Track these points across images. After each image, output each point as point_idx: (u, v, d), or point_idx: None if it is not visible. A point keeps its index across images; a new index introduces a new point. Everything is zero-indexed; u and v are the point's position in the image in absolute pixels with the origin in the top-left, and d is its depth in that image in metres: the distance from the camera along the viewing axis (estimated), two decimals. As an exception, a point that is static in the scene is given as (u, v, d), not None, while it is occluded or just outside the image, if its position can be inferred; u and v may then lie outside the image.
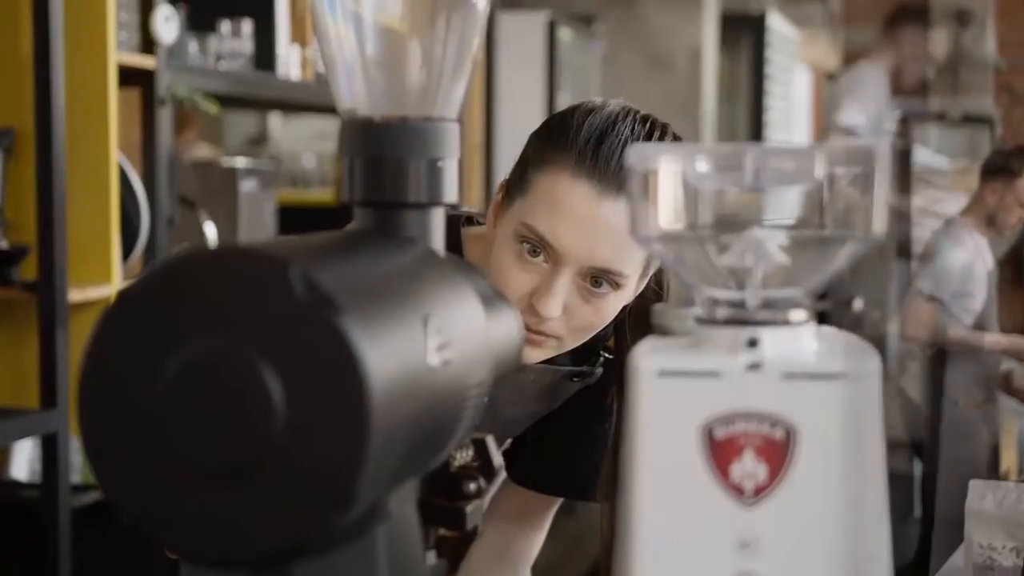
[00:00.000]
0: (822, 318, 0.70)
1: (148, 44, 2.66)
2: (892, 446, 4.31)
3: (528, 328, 1.25)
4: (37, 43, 2.36)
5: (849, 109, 4.25)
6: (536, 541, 1.54)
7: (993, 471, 4.17)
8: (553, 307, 1.23)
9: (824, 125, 4.37)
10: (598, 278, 1.24)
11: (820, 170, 0.66)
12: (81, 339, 2.47)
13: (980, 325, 4.19)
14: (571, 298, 1.24)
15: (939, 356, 4.24)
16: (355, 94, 0.78)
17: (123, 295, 0.61)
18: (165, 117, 2.65)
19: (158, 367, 0.60)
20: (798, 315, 0.68)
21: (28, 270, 2.41)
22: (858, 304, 4.21)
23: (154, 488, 0.60)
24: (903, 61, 4.39)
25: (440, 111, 0.79)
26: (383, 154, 0.77)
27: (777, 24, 7.50)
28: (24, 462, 2.72)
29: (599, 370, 1.41)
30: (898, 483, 4.14)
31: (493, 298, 0.83)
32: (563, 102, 6.78)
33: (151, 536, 0.61)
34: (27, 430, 2.39)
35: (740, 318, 0.67)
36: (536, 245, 1.23)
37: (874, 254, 4.13)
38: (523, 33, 5.33)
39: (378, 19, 0.78)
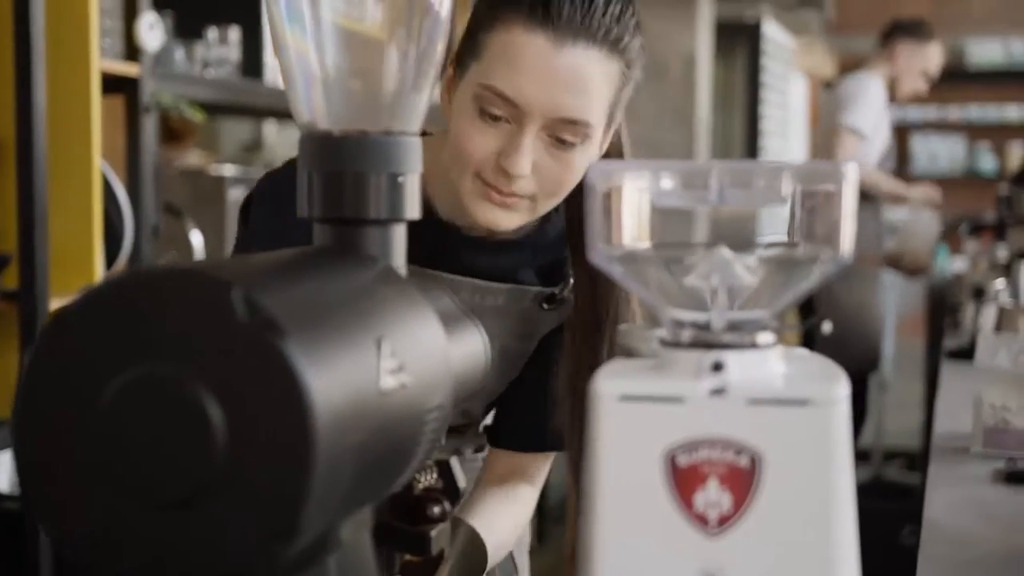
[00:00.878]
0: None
1: (133, 51, 2.63)
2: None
3: (499, 191, 1.24)
4: (18, 49, 2.34)
5: (855, 112, 4.30)
6: (533, 497, 1.48)
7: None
8: (523, 164, 1.22)
9: (826, 127, 4.41)
10: (562, 135, 1.22)
11: (787, 188, 0.64)
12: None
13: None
14: (539, 155, 1.23)
15: None
16: (314, 107, 0.76)
17: (61, 314, 0.59)
18: (149, 125, 2.63)
19: (96, 390, 0.58)
20: (765, 338, 0.65)
21: (9, 279, 2.38)
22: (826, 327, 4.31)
23: (90, 514, 0.58)
24: (898, 75, 4.44)
25: (401, 124, 0.77)
26: (343, 169, 0.75)
27: (772, 32, 7.49)
28: (5, 473, 2.69)
29: (569, 296, 1.38)
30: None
31: (456, 316, 0.81)
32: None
33: (85, 562, 0.58)
34: (8, 441, 2.36)
35: (705, 341, 0.65)
36: (497, 106, 1.21)
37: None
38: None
39: (337, 30, 0.76)
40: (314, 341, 0.58)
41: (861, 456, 5.48)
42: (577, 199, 1.29)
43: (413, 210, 0.76)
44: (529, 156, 1.22)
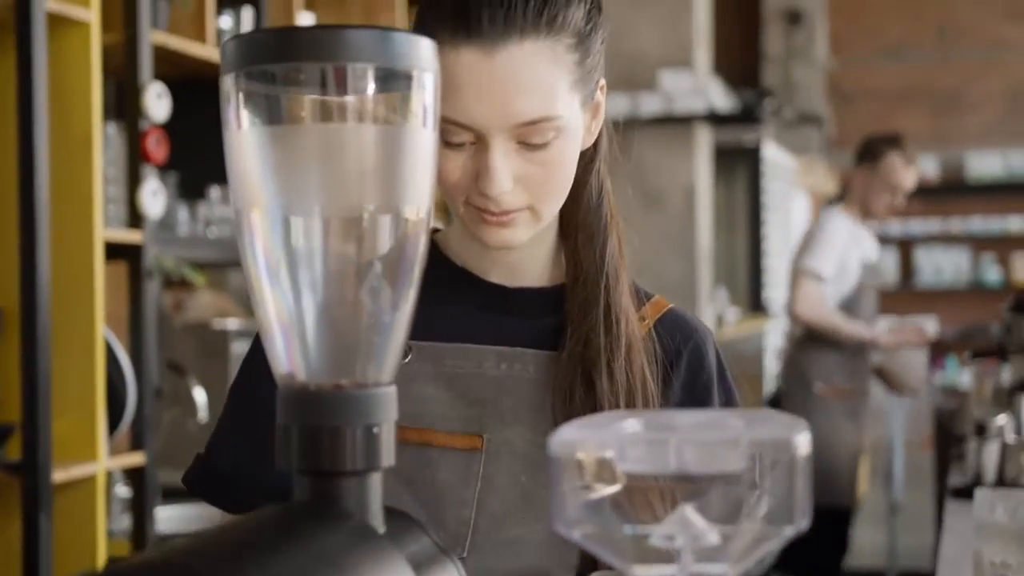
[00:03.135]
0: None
1: (136, 218, 2.68)
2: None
3: (491, 213, 1.17)
4: (23, 219, 2.39)
5: (815, 253, 4.30)
6: None
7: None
8: (498, 183, 1.14)
9: (793, 268, 4.40)
10: (530, 140, 1.14)
11: (740, 461, 0.66)
12: (65, 520, 2.46)
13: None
14: (517, 165, 1.15)
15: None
16: (292, 360, 0.79)
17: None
18: (152, 290, 2.67)
19: None
20: (729, 597, 0.67)
21: (12, 450, 2.40)
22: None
23: None
24: (864, 198, 4.42)
25: (375, 376, 0.79)
26: (319, 423, 0.77)
27: (772, 153, 7.58)
28: None
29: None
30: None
31: (434, 558, 0.82)
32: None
33: None
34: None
35: (670, 602, 0.67)
36: (454, 133, 1.14)
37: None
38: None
39: (313, 289, 0.78)
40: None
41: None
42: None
43: (389, 457, 0.78)
44: (503, 172, 1.14)
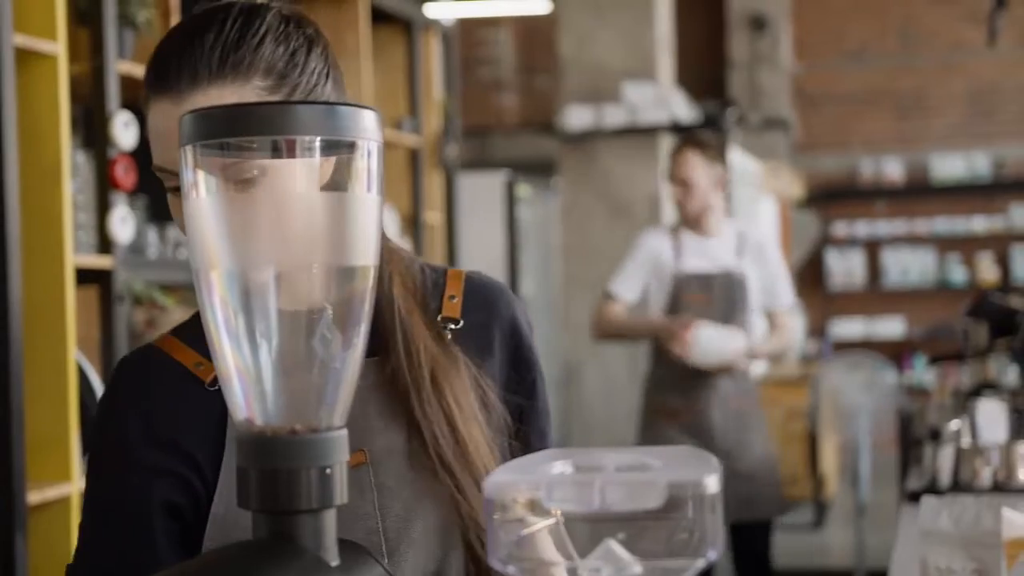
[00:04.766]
0: None
1: (105, 243, 2.74)
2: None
3: None
4: (-5, 248, 2.44)
5: (618, 276, 4.15)
6: None
7: None
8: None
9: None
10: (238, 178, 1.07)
11: (658, 499, 0.73)
12: (40, 540, 2.51)
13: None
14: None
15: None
16: (249, 407, 0.85)
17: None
18: (123, 314, 2.72)
19: None
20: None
21: (-13, 473, 2.45)
22: None
23: None
24: (679, 196, 4.16)
25: (327, 421, 0.85)
26: (276, 466, 0.83)
27: (738, 160, 7.66)
28: None
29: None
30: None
31: (387, 587, 0.89)
32: (524, 253, 6.93)
33: None
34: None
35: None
36: (169, 179, 1.19)
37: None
38: (483, 191, 5.47)
39: (268, 347, 0.85)
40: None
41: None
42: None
43: (342, 495, 0.85)
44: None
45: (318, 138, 0.83)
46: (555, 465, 0.78)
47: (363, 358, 0.88)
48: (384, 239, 1.35)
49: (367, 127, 0.85)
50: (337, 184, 0.85)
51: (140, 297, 2.78)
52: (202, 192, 0.84)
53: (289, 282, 0.85)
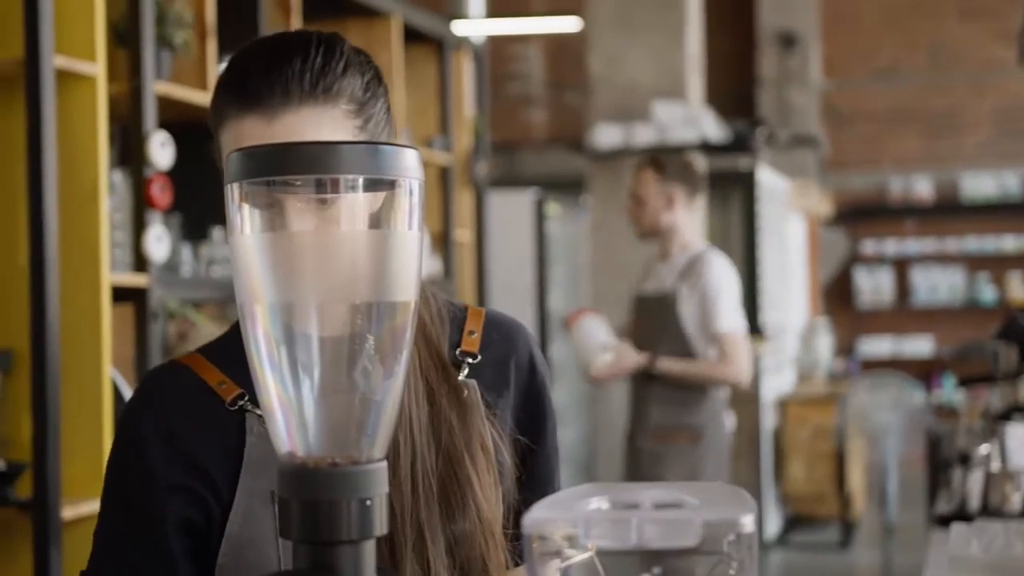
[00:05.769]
0: None
1: (141, 262, 2.77)
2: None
3: None
4: (33, 266, 2.47)
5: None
6: None
7: None
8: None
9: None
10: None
11: (695, 537, 0.74)
12: (75, 555, 2.53)
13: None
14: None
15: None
16: (292, 440, 0.87)
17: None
18: (157, 331, 2.75)
19: None
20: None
21: (23, 487, 2.48)
22: None
23: None
24: (630, 211, 4.18)
25: (367, 453, 0.87)
26: (317, 498, 0.85)
27: (767, 178, 7.65)
28: None
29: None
30: None
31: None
32: (553, 271, 6.95)
33: None
34: None
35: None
36: None
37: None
38: (513, 209, 5.48)
39: (311, 382, 0.86)
40: None
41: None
42: None
43: (381, 527, 0.86)
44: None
45: (361, 177, 0.85)
46: (592, 501, 0.80)
47: (403, 390, 0.90)
48: None
49: (409, 166, 0.86)
50: (379, 221, 0.87)
51: (174, 313, 2.81)
52: (247, 229, 0.86)
53: (331, 316, 0.87)
